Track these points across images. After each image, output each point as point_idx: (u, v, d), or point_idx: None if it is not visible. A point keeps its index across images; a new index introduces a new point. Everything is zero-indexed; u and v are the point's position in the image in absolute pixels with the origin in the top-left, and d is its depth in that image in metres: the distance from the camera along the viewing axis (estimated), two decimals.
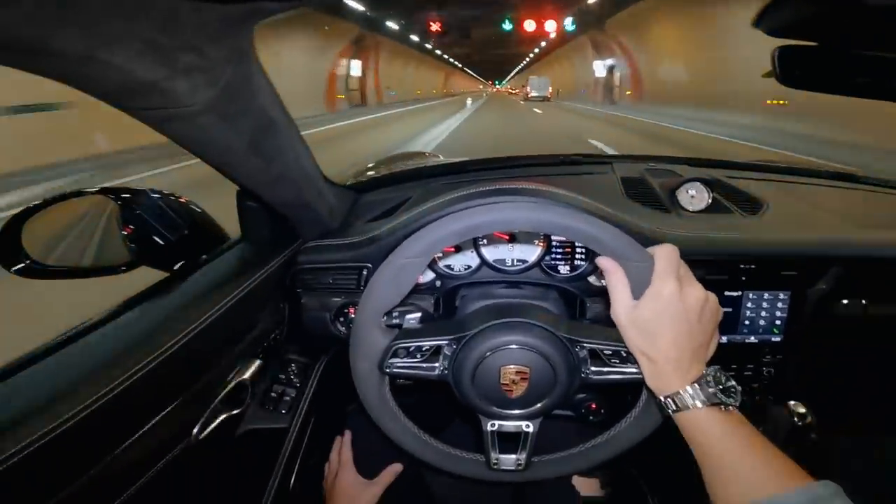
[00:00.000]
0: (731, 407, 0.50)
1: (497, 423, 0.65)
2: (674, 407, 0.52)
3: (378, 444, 0.77)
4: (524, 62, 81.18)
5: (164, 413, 0.60)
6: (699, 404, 0.50)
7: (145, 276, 0.74)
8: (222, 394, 0.72)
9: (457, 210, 0.60)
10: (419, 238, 0.59)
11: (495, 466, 0.66)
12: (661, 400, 0.53)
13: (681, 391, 0.51)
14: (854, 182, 1.19)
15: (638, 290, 0.55)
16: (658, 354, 0.53)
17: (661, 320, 0.52)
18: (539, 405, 0.63)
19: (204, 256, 0.80)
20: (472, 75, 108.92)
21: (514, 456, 0.65)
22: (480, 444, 0.66)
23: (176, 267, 0.76)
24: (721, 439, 0.49)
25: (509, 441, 0.66)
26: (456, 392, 0.64)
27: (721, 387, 0.51)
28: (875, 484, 1.09)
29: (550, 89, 37.52)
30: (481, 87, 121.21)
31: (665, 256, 0.54)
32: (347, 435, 0.97)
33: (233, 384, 0.74)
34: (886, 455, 1.17)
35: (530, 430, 0.65)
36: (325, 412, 1.00)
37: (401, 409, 0.67)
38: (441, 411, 0.94)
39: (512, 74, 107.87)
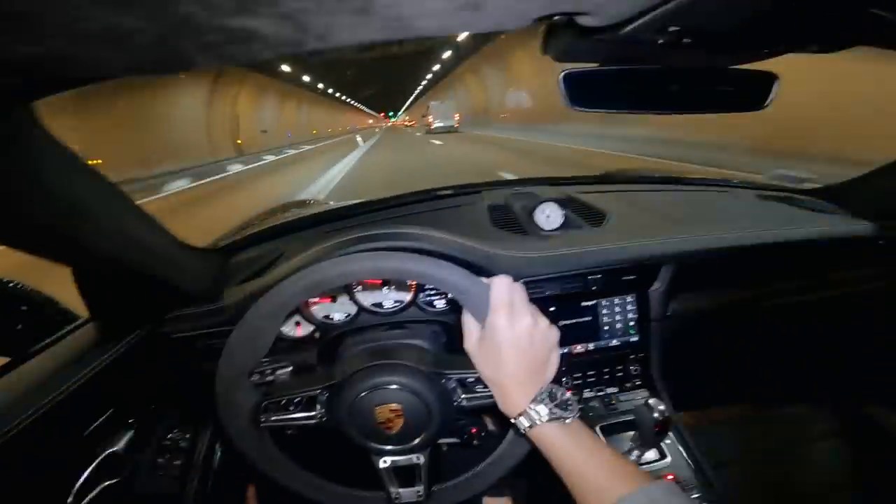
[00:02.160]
0: (569, 420, 0.56)
1: (388, 458, 0.67)
2: (524, 425, 0.56)
3: (287, 494, 0.75)
4: (418, 89, 75.06)
5: (21, 491, 0.57)
6: (543, 419, 0.55)
7: None
8: (91, 466, 0.69)
9: (302, 268, 0.61)
10: (267, 301, 0.60)
11: (397, 501, 0.67)
12: (512, 422, 0.58)
13: (526, 410, 0.56)
14: (677, 184, 1.37)
15: (482, 318, 0.60)
16: (502, 380, 0.58)
17: (498, 349, 0.57)
18: (419, 439, 0.66)
19: (47, 340, 0.74)
20: (359, 108, 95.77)
21: (413, 488, 0.68)
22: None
23: (14, 352, 0.70)
24: (565, 450, 0.54)
25: (407, 474, 0.68)
26: (339, 435, 0.65)
27: (556, 402, 0.57)
28: (739, 457, 1.25)
29: (457, 116, 27.53)
30: (371, 121, 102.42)
31: (497, 289, 0.59)
32: (252, 490, 0.92)
33: (103, 455, 0.72)
34: (742, 429, 1.36)
35: (422, 461, 0.67)
36: (223, 474, 0.95)
37: (294, 457, 0.67)
38: (335, 453, 0.94)
39: (408, 104, 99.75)
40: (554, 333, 0.60)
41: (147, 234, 0.72)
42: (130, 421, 0.78)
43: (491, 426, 0.97)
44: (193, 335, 0.83)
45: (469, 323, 0.61)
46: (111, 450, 0.73)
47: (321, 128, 55.21)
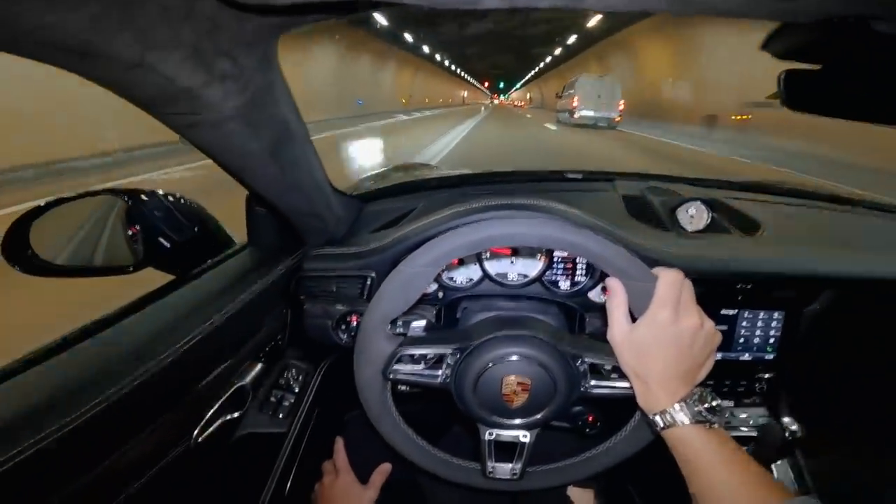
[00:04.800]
0: (715, 425, 0.53)
1: (495, 431, 0.66)
2: (661, 424, 0.54)
3: (374, 450, 0.77)
4: (534, 70, 70.50)
5: (165, 416, 0.60)
6: (686, 421, 0.52)
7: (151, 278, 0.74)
8: (223, 397, 0.73)
9: (469, 222, 0.61)
10: (431, 248, 0.60)
11: (490, 475, 0.67)
12: (650, 417, 0.56)
13: (668, 409, 0.54)
14: (848, 205, 1.20)
15: (638, 310, 0.57)
16: (648, 375, 0.55)
17: (653, 344, 0.55)
18: (538, 416, 0.64)
19: (210, 260, 0.80)
20: (468, 81, 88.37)
21: (509, 465, 0.67)
22: (476, 451, 0.68)
23: (182, 270, 0.77)
24: (706, 455, 0.51)
25: (505, 451, 0.67)
26: (457, 400, 0.65)
27: (706, 406, 0.54)
28: (860, 498, 1.11)
29: (622, 104, 18.66)
30: (464, 93, 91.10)
31: (667, 282, 0.56)
32: (343, 441, 0.97)
33: (234, 388, 0.75)
34: (873, 471, 1.19)
35: (527, 440, 0.66)
36: (324, 418, 1.00)
37: (400, 416, 0.68)
38: (438, 418, 0.95)
39: (522, 82, 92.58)
40: (717, 338, 0.57)
41: (315, 171, 0.76)
42: (261, 355, 0.83)
43: (606, 418, 0.94)
44: (328, 276, 0.87)
45: (618, 311, 0.58)
46: (240, 383, 0.76)
47: (433, 98, 55.94)
